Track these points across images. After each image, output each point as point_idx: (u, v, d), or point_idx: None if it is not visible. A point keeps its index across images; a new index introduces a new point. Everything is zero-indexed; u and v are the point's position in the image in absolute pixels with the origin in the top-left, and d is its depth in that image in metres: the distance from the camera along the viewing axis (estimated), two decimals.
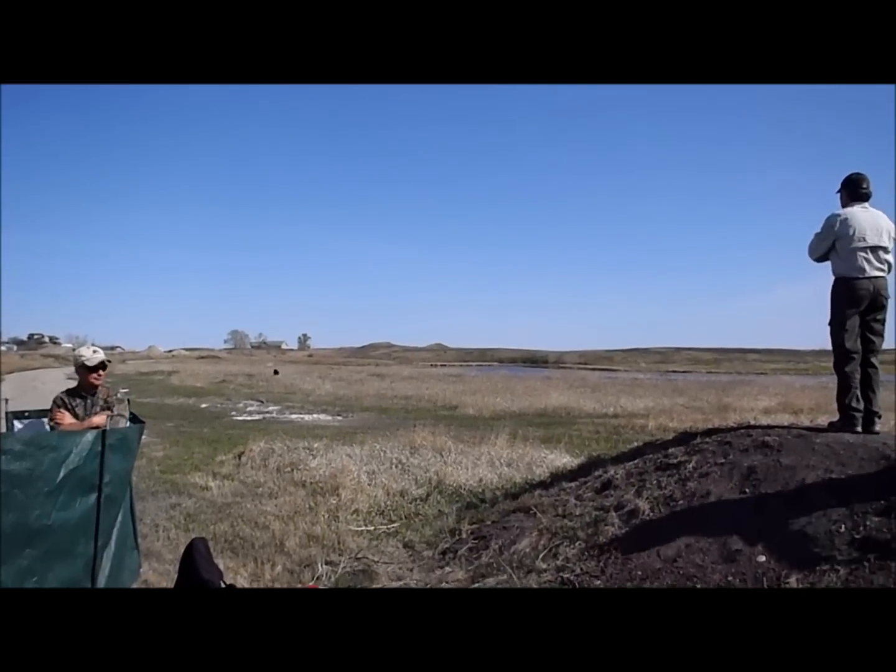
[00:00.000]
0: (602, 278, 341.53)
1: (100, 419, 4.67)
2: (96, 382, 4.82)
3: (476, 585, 4.84)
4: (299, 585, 5.01)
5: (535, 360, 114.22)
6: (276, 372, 42.33)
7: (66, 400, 4.80)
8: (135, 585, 4.96)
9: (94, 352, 4.83)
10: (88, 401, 4.83)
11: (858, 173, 5.70)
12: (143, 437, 4.85)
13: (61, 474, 3.88)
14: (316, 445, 10.85)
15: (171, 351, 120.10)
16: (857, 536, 3.99)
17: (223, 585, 2.66)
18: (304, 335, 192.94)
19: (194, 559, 2.74)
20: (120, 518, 4.55)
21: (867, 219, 5.51)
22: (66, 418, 4.66)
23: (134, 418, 5.00)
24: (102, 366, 4.82)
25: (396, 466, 9.24)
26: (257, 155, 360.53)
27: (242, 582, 5.23)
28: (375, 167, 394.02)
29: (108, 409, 4.80)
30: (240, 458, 10.35)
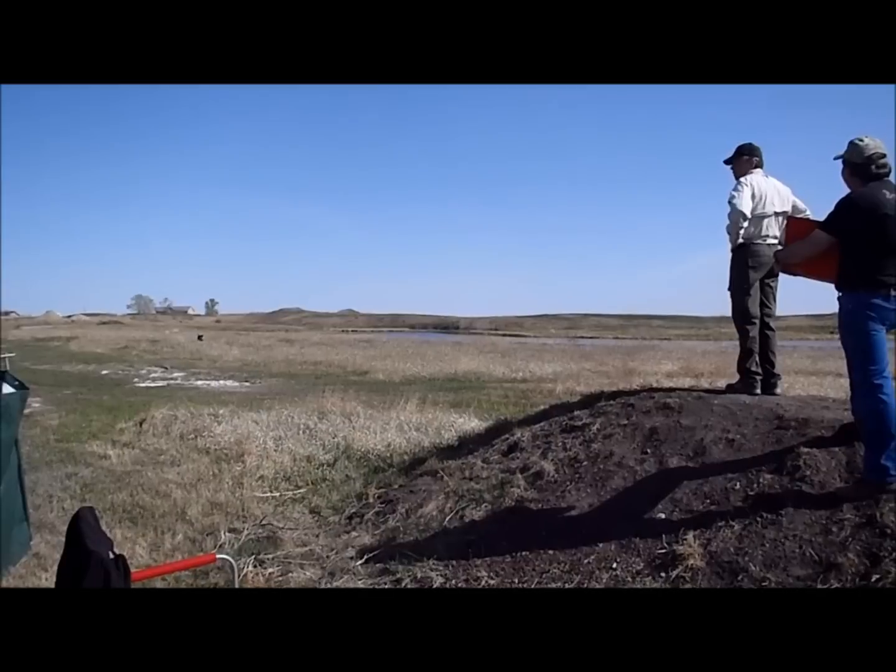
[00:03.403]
0: (513, 244, 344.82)
1: None
2: None
3: (378, 552, 4.82)
4: (200, 554, 4.88)
5: (446, 326, 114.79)
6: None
7: None
8: (25, 559, 4.74)
9: None
10: None
11: (751, 143, 5.81)
12: (39, 405, 4.62)
13: None
14: (221, 412, 10.57)
15: (70, 316, 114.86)
16: (751, 493, 4.14)
17: (112, 556, 2.52)
18: (212, 300, 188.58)
19: (81, 530, 2.59)
20: (5, 488, 4.31)
21: (770, 186, 5.63)
22: None
23: (20, 385, 4.74)
24: None
25: (304, 432, 9.08)
26: (159, 111, 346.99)
27: (141, 552, 5.06)
28: (284, 127, 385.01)
29: None
30: (141, 426, 9.96)
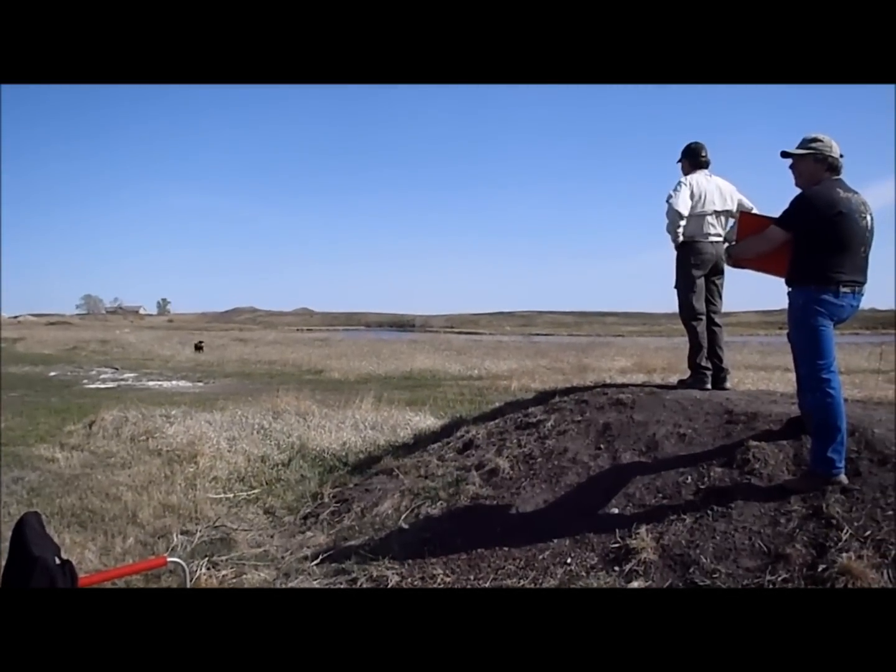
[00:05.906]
0: (469, 243, 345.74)
1: None
2: None
3: (333, 552, 4.78)
4: (151, 557, 4.79)
5: (401, 324, 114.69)
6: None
7: None
8: None
9: None
10: None
11: (697, 143, 5.90)
12: None
13: None
14: (174, 412, 10.37)
15: (16, 317, 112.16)
16: (701, 486, 4.20)
17: (58, 562, 2.46)
18: (164, 300, 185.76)
19: (25, 535, 2.52)
20: None
21: (712, 185, 5.72)
22: None
23: None
24: None
25: (258, 432, 8.96)
26: (105, 107, 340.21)
27: (91, 557, 4.95)
28: (238, 127, 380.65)
29: None
30: (90, 428, 9.74)
